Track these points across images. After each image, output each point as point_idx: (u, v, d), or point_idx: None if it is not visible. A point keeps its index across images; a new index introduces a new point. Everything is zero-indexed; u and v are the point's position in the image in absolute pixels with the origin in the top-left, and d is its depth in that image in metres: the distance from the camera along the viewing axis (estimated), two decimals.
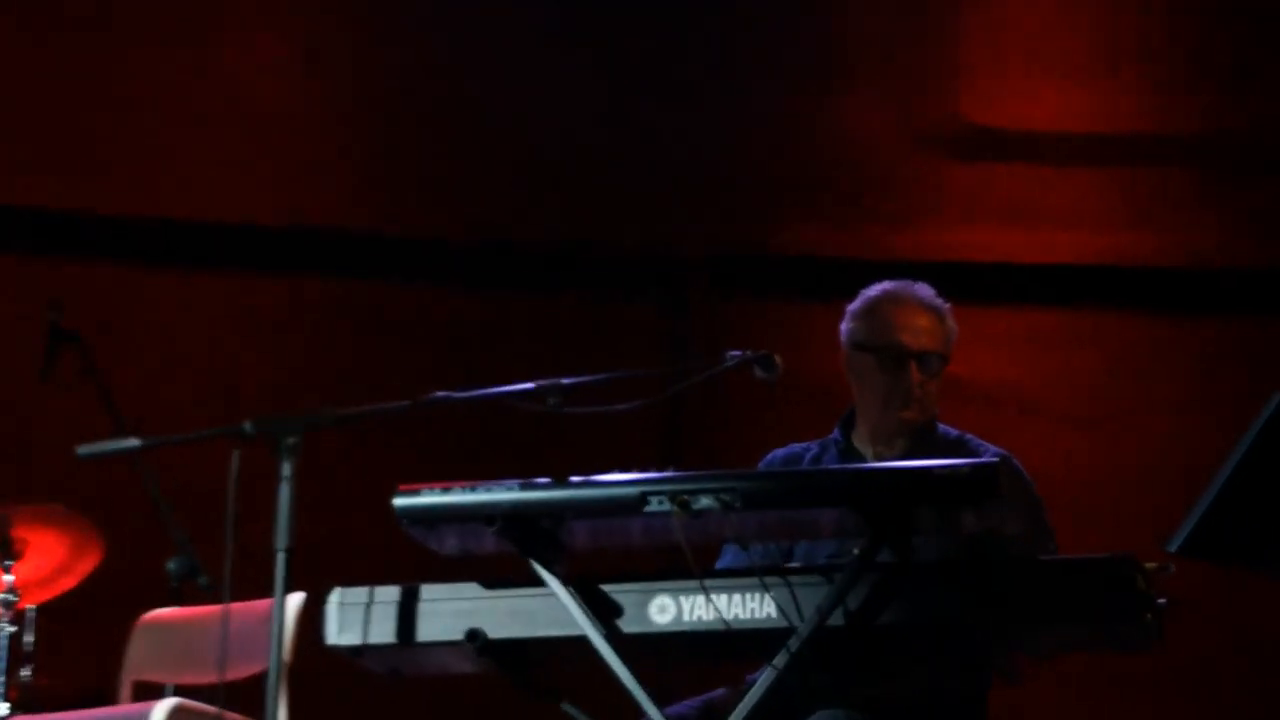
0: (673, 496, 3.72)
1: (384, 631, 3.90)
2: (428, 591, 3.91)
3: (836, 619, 3.69)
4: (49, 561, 5.45)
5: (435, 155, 7.17)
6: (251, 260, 7.07)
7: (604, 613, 3.80)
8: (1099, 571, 3.65)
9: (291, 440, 3.79)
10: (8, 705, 5.13)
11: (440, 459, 6.73)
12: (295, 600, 4.69)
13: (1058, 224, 7.13)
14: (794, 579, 3.76)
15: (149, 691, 5.08)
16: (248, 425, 3.81)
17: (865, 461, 4.56)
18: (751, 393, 5.31)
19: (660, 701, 3.75)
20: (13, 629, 5.20)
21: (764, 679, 3.69)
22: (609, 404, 4.05)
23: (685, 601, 3.79)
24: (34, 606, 5.35)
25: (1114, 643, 3.77)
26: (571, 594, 3.79)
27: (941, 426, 4.64)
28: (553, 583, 3.81)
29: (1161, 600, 3.70)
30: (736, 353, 4.12)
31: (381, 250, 7.16)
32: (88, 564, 5.50)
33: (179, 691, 4.96)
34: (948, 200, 7.21)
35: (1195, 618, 3.82)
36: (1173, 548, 3.51)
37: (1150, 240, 7.11)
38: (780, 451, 4.69)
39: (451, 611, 3.88)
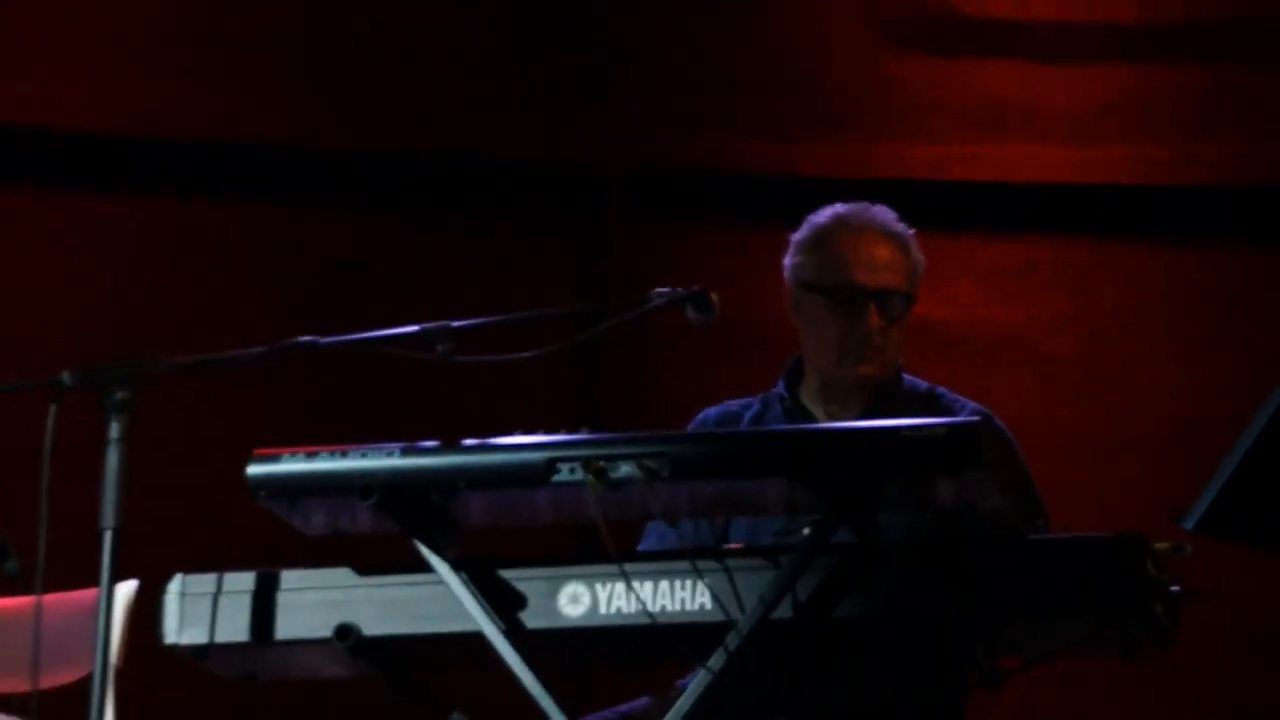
0: (586, 464, 3.73)
1: (235, 628, 3.90)
2: (289, 579, 3.91)
3: (784, 611, 3.71)
4: None
5: (303, 51, 7.12)
6: (85, 175, 7.01)
7: (504, 604, 3.81)
8: (1100, 553, 3.68)
9: (121, 394, 3.78)
10: None
11: (306, 418, 6.71)
12: (126, 590, 4.67)
13: (1054, 135, 7.15)
14: (733, 563, 3.77)
15: None
16: (66, 375, 3.80)
17: (816, 422, 4.58)
18: (682, 338, 5.32)
19: (572, 711, 3.76)
20: None
21: (696, 684, 3.71)
22: (510, 351, 4.05)
23: (602, 590, 3.80)
24: None
25: (1119, 640, 3.79)
26: (464, 582, 3.80)
27: (908, 378, 4.66)
28: (442, 568, 3.81)
29: (1175, 588, 3.73)
30: (664, 289, 4.12)
31: (240, 163, 7.11)
32: None
33: None
34: (918, 106, 7.22)
35: (1206, 608, 3.84)
36: (1189, 524, 3.54)
37: (1167, 153, 7.14)
38: (714, 410, 4.71)
39: (318, 603, 3.88)
